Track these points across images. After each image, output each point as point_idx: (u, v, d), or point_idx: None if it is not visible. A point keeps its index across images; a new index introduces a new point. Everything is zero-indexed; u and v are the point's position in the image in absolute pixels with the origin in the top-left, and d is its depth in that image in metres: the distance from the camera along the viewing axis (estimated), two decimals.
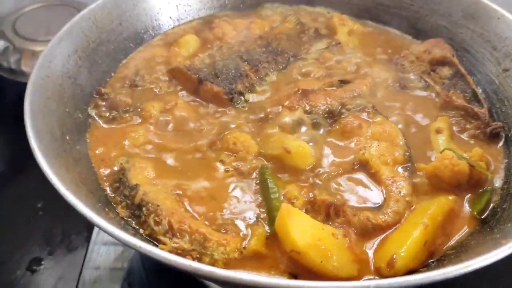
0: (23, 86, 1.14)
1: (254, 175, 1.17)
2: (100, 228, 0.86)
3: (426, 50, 1.50)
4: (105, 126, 1.31)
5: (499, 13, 1.45)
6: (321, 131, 1.27)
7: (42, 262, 1.42)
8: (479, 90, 1.42)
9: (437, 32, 1.59)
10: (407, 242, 1.00)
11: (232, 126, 1.30)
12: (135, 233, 1.04)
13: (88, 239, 1.42)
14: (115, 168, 1.18)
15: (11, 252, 1.44)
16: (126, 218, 1.07)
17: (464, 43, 1.53)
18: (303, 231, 0.97)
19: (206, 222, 1.06)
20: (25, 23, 2.00)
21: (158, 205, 1.05)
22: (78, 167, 1.12)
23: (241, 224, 1.07)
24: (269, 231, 1.05)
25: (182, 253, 0.99)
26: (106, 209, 1.05)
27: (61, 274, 1.39)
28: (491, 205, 1.14)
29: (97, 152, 1.23)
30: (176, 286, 1.31)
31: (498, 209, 1.12)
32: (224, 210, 1.10)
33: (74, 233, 1.49)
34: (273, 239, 1.03)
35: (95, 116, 1.33)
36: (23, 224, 1.51)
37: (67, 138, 1.17)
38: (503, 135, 1.30)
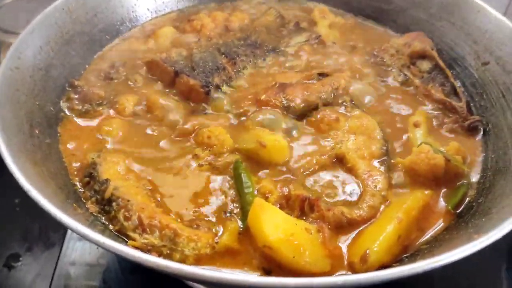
0: None
1: (229, 169, 1.15)
2: (63, 223, 0.84)
3: (406, 43, 1.49)
4: (77, 119, 1.28)
5: (479, 5, 1.44)
6: (297, 125, 1.26)
7: (20, 259, 1.39)
8: (457, 84, 1.41)
9: (417, 26, 1.58)
10: (380, 236, 0.99)
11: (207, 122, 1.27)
12: (104, 229, 1.01)
13: (65, 235, 1.39)
14: (86, 163, 1.16)
15: None
16: (95, 214, 1.05)
17: (445, 37, 1.52)
18: (275, 226, 0.96)
19: (178, 218, 1.04)
20: (5, 16, 1.94)
21: (128, 200, 1.02)
22: (47, 162, 1.10)
23: (213, 219, 1.05)
24: (242, 226, 1.04)
25: (152, 249, 0.97)
26: (75, 205, 1.03)
27: (39, 270, 1.36)
28: (467, 199, 1.13)
29: (68, 146, 1.20)
30: (152, 282, 1.29)
31: (474, 204, 1.11)
32: (197, 205, 1.08)
33: (52, 229, 1.45)
34: (246, 234, 1.01)
35: (67, 110, 1.30)
36: (1, 220, 1.48)
37: (36, 132, 1.14)
38: (481, 129, 1.30)
